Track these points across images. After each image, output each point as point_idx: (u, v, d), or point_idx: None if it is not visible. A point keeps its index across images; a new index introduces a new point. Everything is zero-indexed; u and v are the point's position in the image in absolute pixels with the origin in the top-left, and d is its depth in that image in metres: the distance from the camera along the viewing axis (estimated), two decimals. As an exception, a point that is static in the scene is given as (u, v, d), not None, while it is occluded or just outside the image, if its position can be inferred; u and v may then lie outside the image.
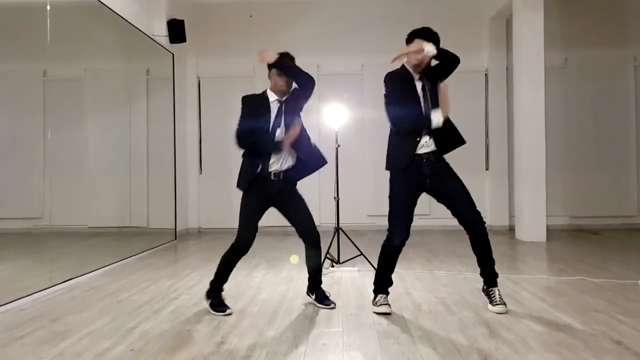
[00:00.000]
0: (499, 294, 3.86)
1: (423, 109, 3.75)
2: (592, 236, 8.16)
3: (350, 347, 3.09)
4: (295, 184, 4.05)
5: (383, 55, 9.08)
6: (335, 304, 4.01)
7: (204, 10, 9.35)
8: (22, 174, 5.05)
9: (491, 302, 3.86)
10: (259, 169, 3.83)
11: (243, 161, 3.96)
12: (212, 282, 3.96)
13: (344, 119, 5.89)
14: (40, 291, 4.48)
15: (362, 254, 5.59)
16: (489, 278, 3.92)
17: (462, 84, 9.05)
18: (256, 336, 3.30)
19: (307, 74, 3.88)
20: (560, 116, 9.13)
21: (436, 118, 3.66)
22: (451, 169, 3.88)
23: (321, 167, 4.04)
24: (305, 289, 4.20)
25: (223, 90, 9.35)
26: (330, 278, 5.08)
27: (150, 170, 7.50)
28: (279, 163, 3.88)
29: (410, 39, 3.85)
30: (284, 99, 3.93)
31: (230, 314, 3.80)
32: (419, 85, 3.80)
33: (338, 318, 3.71)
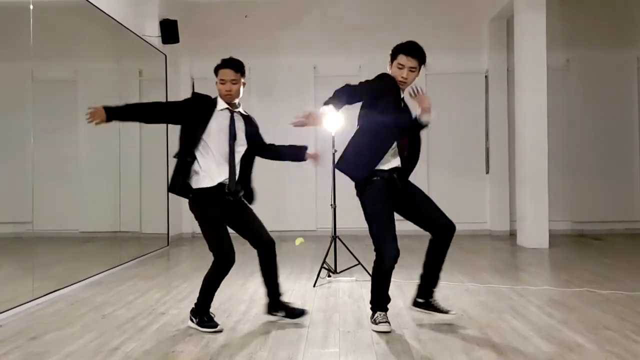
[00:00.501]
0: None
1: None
2: (594, 242, 7.99)
3: (347, 371, 2.88)
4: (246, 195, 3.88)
5: (381, 57, 8.95)
6: (305, 310, 3.86)
7: (197, 10, 9.14)
8: (11, 178, 4.93)
9: (440, 310, 3.75)
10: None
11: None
12: (197, 305, 3.71)
13: (340, 124, 5.68)
14: (22, 304, 4.26)
15: (359, 263, 5.38)
16: (433, 287, 3.80)
17: (462, 86, 8.90)
18: (247, 358, 3.08)
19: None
20: (561, 119, 8.96)
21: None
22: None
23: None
24: (266, 308, 3.91)
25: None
26: (327, 289, 4.88)
27: (143, 173, 7.34)
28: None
29: (394, 54, 3.72)
30: (235, 110, 3.77)
31: (220, 331, 3.59)
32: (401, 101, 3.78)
33: (335, 337, 3.49)
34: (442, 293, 4.62)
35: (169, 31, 7.82)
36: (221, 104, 3.73)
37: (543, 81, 7.49)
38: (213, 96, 3.80)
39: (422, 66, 3.73)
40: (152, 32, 7.69)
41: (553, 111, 8.59)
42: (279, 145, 4.01)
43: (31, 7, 4.69)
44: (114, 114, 3.56)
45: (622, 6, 9.05)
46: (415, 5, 9.01)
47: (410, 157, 3.73)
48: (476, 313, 4.02)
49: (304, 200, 8.80)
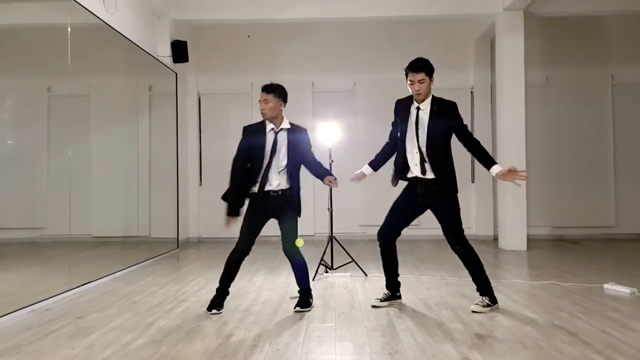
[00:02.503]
0: (480, 301, 4.34)
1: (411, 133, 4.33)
2: (571, 245, 8.65)
3: (342, 338, 3.57)
4: (290, 201, 4.50)
5: (374, 74, 9.76)
6: (300, 309, 4.32)
7: (205, 31, 9.83)
8: (27, 186, 5.35)
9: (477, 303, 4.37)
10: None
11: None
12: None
13: (337, 136, 6.37)
14: (60, 294, 4.92)
15: (353, 260, 6.06)
16: (479, 288, 4.44)
17: (449, 101, 9.56)
18: (260, 330, 3.77)
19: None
20: (542, 132, 9.65)
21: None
22: (444, 194, 4.34)
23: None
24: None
25: (222, 106, 9.86)
26: (325, 282, 5.55)
27: (152, 182, 7.85)
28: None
29: (405, 75, 4.36)
30: (278, 129, 4.43)
31: (217, 313, 4.27)
32: (413, 110, 4.35)
33: (331, 316, 4.19)
34: (424, 285, 5.33)
35: (180, 51, 8.51)
36: (269, 126, 4.48)
37: (521, 97, 8.18)
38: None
39: (431, 75, 4.30)
40: (164, 52, 8.37)
41: (533, 125, 9.35)
42: (315, 162, 4.65)
43: (69, 29, 5.33)
44: (234, 208, 4.43)
45: (597, 28, 9.77)
46: (407, 26, 9.68)
47: (432, 167, 4.29)
48: (452, 299, 4.71)
49: (302, 208, 9.40)
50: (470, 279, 4.45)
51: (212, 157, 9.69)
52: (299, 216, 4.55)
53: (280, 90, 4.47)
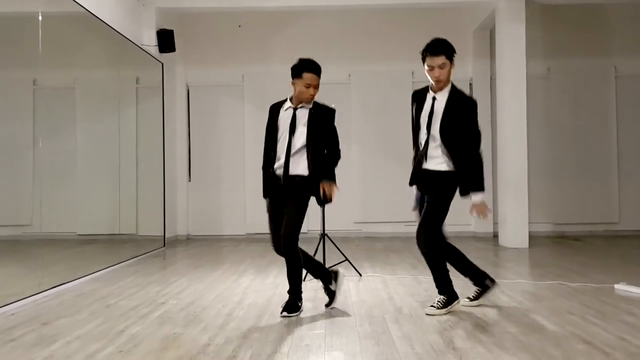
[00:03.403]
0: (437, 300, 4.01)
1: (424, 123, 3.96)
2: (573, 242, 8.33)
3: (332, 347, 3.21)
4: (302, 189, 4.03)
5: (369, 65, 9.39)
6: (287, 314, 3.94)
7: (193, 20, 9.47)
8: (11, 182, 5.07)
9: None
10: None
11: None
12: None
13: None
14: (30, 296, 4.56)
15: (347, 259, 5.71)
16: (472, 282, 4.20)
17: (447, 93, 9.22)
18: (241, 338, 3.41)
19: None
20: (543, 125, 9.33)
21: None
22: (439, 186, 4.00)
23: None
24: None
25: (212, 99, 9.50)
26: (316, 283, 5.18)
27: (139, 177, 7.59)
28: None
29: (423, 59, 3.98)
30: (298, 105, 4.05)
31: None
32: (429, 97, 3.98)
33: (321, 321, 3.83)
34: (422, 286, 4.98)
35: (166, 40, 8.15)
36: (287, 103, 4.12)
37: (523, 89, 7.85)
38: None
39: (452, 59, 3.91)
40: (150, 41, 8.01)
41: (534, 118, 9.00)
42: (326, 157, 4.14)
43: (40, 17, 4.99)
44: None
45: (600, 17, 9.44)
46: (403, 15, 9.35)
47: (429, 159, 3.96)
48: (453, 302, 4.35)
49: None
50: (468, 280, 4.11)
51: (202, 152, 9.35)
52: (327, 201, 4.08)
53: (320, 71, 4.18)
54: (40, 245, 5.45)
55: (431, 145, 3.94)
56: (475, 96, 9.12)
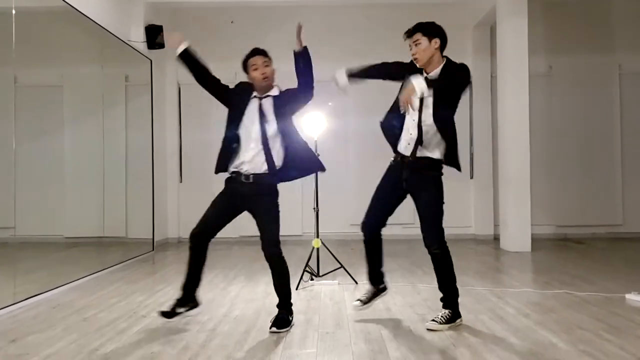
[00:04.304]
0: (441, 315, 3.73)
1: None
2: (577, 246, 8.06)
3: (323, 371, 2.93)
4: (269, 191, 3.79)
5: (366, 62, 9.06)
6: (276, 329, 3.63)
7: (184, 16, 9.17)
8: None
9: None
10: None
11: None
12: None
13: (323, 127, 5.74)
14: (4, 307, 4.27)
15: (342, 266, 5.41)
16: (443, 299, 3.85)
17: (446, 92, 8.94)
18: (224, 358, 3.11)
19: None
20: (545, 124, 9.05)
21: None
22: (431, 181, 3.72)
23: (315, 172, 3.83)
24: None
25: (204, 97, 9.08)
26: (309, 292, 4.92)
27: (128, 178, 7.34)
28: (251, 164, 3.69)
29: (409, 34, 3.81)
30: (264, 95, 3.79)
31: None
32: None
33: (313, 338, 3.54)
34: (422, 295, 4.70)
35: (155, 36, 7.83)
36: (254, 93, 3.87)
37: (525, 87, 7.58)
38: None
39: (432, 35, 3.74)
40: (138, 37, 7.70)
41: (536, 117, 8.70)
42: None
43: (13, 12, 4.70)
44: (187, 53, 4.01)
45: (603, 14, 9.18)
46: (400, 11, 9.06)
47: (417, 147, 3.72)
48: (454, 314, 4.06)
49: (289, 206, 8.80)
50: (444, 286, 3.82)
51: (194, 152, 9.05)
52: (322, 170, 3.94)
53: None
54: (24, 249, 5.29)
55: (420, 132, 3.70)
56: (475, 94, 8.96)
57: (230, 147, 3.78)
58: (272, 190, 3.79)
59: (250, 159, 3.72)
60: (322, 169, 3.97)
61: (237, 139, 3.77)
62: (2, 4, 4.72)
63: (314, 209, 5.60)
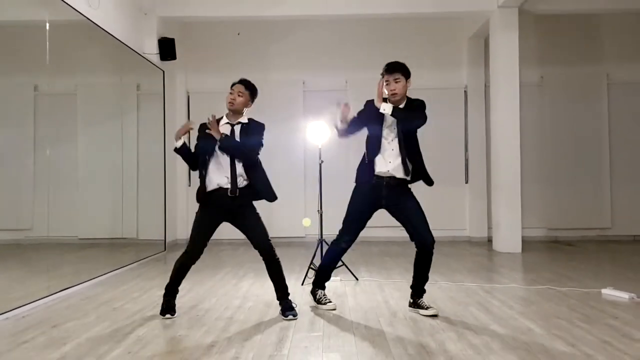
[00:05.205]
0: (426, 303, 4.28)
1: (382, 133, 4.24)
2: (566, 247, 8.50)
3: (329, 349, 3.39)
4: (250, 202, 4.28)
5: (366, 72, 9.51)
6: (294, 315, 4.16)
7: (193, 29, 9.64)
8: (12, 186, 5.19)
9: (423, 308, 4.26)
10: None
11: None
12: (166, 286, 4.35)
13: (327, 136, 6.19)
14: (39, 300, 4.72)
15: (344, 264, 5.86)
16: (419, 291, 4.37)
17: (443, 100, 9.39)
18: (243, 340, 3.58)
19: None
20: (537, 131, 9.51)
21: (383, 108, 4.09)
22: (410, 192, 4.29)
23: (269, 200, 4.32)
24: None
25: (211, 105, 9.53)
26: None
27: (140, 182, 7.70)
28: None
29: (382, 77, 4.28)
30: (235, 122, 4.30)
31: (169, 318, 4.18)
32: (389, 117, 4.21)
33: (319, 323, 4.00)
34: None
35: (167, 49, 8.31)
36: (224, 119, 4.32)
37: (516, 97, 8.03)
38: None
39: (407, 77, 4.24)
40: (151, 49, 8.17)
41: (528, 124, 9.19)
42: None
43: (47, 26, 5.14)
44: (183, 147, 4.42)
45: (592, 26, 9.65)
46: (399, 24, 9.53)
47: (402, 166, 4.20)
48: (445, 306, 4.53)
49: (293, 208, 9.28)
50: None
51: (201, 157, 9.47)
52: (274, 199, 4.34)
53: (253, 90, 4.52)
54: (40, 249, 5.55)
55: (402, 154, 4.19)
56: (470, 103, 9.42)
57: (206, 167, 4.26)
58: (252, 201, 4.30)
59: (230, 176, 4.18)
60: (274, 198, 4.39)
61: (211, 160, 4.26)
62: (34, 17, 5.16)
63: (318, 211, 6.05)
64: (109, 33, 6.63)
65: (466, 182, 9.53)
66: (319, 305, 4.49)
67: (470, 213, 9.50)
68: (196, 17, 8.66)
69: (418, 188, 4.31)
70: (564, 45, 9.63)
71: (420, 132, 4.30)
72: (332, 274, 4.68)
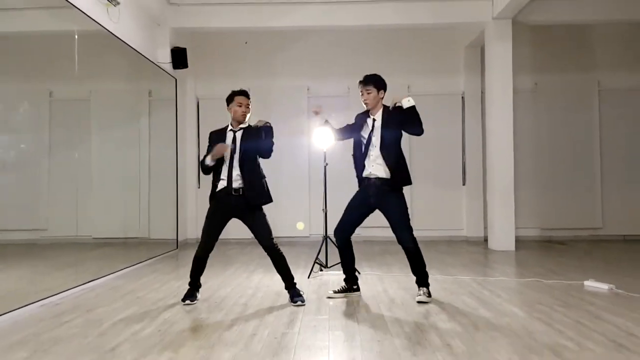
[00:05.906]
0: (424, 292, 4.74)
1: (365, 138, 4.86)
2: (558, 246, 8.94)
3: (334, 328, 3.86)
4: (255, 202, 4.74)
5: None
6: (302, 302, 4.64)
7: (203, 38, 10.10)
8: (28, 188, 5.47)
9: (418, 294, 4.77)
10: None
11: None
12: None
13: (331, 140, 6.62)
14: (68, 290, 5.18)
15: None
16: (418, 281, 4.87)
17: (441, 106, 9.86)
18: (259, 321, 4.05)
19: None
20: (531, 136, 9.96)
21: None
22: (395, 194, 4.80)
23: (263, 203, 4.78)
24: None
25: (220, 111, 9.96)
26: (319, 280, 5.82)
27: (151, 184, 8.08)
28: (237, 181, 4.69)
29: (364, 84, 4.89)
30: (237, 128, 4.78)
31: (190, 304, 4.65)
32: (369, 121, 4.88)
33: (325, 309, 4.47)
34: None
35: (179, 57, 8.79)
36: (229, 127, 4.82)
37: (509, 104, 8.48)
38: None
39: (379, 88, 4.84)
40: (164, 58, 8.64)
41: (523, 129, 9.65)
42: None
43: (76, 36, 5.60)
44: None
45: (584, 35, 10.10)
46: (399, 34, 9.98)
47: (386, 168, 4.75)
48: (439, 295, 4.98)
49: (298, 208, 9.73)
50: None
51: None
52: (270, 201, 4.80)
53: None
54: (57, 248, 5.86)
55: (383, 156, 4.77)
56: (466, 109, 9.91)
57: (217, 169, 4.81)
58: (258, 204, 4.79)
59: (236, 177, 4.71)
60: (269, 200, 4.86)
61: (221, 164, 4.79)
62: (62, 28, 5.60)
63: (323, 210, 6.50)
64: (126, 44, 7.08)
65: (463, 184, 9.97)
66: (349, 293, 5.00)
67: (467, 214, 9.93)
68: (206, 28, 9.13)
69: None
70: (557, 54, 10.08)
71: (421, 137, 4.95)
72: (338, 268, 5.13)
